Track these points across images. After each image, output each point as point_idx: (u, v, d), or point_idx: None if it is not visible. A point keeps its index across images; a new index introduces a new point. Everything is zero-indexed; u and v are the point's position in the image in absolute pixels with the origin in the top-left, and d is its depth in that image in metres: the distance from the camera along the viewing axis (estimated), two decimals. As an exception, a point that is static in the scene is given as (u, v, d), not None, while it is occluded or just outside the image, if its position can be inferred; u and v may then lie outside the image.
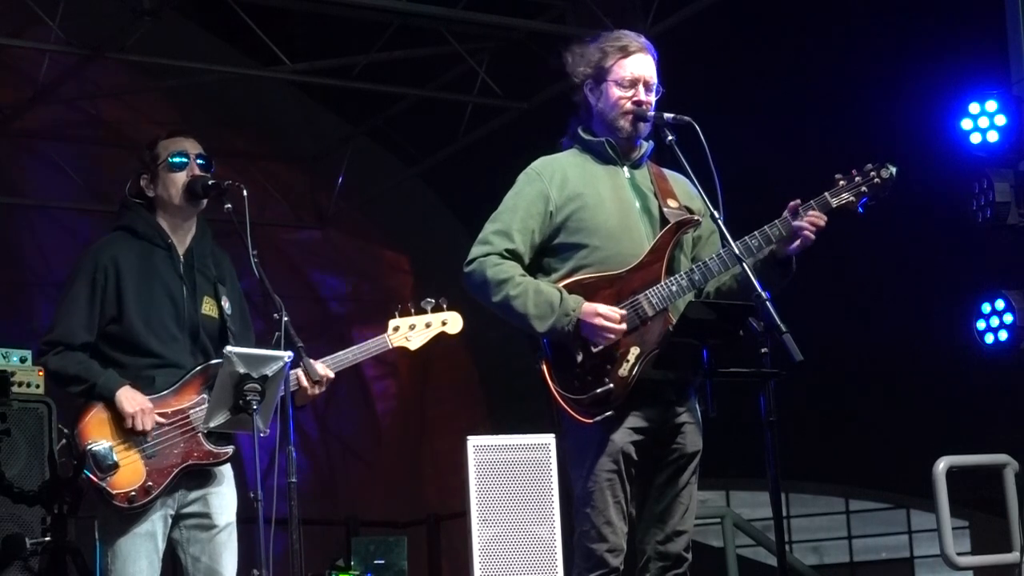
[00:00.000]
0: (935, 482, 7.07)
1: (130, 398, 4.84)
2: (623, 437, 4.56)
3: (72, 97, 12.42)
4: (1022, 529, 7.15)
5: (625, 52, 4.77)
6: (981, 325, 7.85)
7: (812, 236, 4.62)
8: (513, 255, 4.66)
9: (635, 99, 4.73)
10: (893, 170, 4.69)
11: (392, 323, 5.20)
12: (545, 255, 4.73)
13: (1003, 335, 7.77)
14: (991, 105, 7.87)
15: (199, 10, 11.88)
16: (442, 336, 5.28)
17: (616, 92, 4.74)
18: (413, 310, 5.22)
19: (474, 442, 6.76)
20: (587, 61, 4.80)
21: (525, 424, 6.72)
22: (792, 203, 4.65)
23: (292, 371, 4.82)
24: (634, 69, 4.75)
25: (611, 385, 4.53)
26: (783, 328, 4.29)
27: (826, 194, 4.68)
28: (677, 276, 4.63)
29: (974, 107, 7.89)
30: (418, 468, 14.69)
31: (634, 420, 4.58)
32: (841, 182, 4.70)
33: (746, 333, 4.45)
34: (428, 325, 5.23)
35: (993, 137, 7.87)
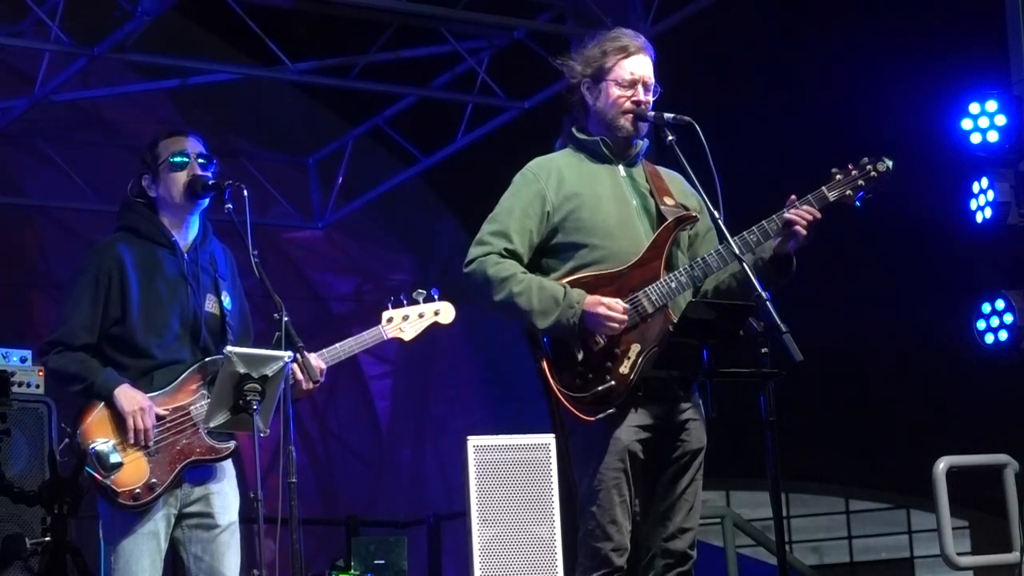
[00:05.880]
0: (935, 482, 7.07)
1: (129, 397, 4.84)
2: (629, 435, 4.55)
3: (72, 97, 12.41)
4: (1022, 529, 7.15)
5: (625, 52, 4.78)
6: (981, 325, 7.84)
7: (803, 231, 4.60)
8: (512, 255, 4.66)
9: (634, 99, 4.74)
10: (889, 163, 4.69)
11: (386, 315, 5.28)
12: (544, 255, 4.72)
13: (1003, 335, 7.76)
14: (991, 105, 7.85)
15: (199, 10, 11.86)
16: (435, 326, 5.37)
17: (615, 91, 4.75)
18: (406, 301, 5.31)
19: (474, 442, 6.75)
20: (586, 60, 4.81)
21: (525, 424, 6.72)
22: (791, 198, 4.66)
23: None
24: (634, 69, 4.76)
25: (612, 383, 4.52)
26: (783, 328, 4.29)
27: (823, 188, 4.67)
28: (676, 272, 4.62)
29: (974, 107, 7.87)
30: (418, 468, 14.68)
31: (640, 418, 4.57)
32: (837, 176, 4.69)
33: (746, 333, 4.45)
34: (421, 315, 5.32)
35: (993, 137, 7.86)
